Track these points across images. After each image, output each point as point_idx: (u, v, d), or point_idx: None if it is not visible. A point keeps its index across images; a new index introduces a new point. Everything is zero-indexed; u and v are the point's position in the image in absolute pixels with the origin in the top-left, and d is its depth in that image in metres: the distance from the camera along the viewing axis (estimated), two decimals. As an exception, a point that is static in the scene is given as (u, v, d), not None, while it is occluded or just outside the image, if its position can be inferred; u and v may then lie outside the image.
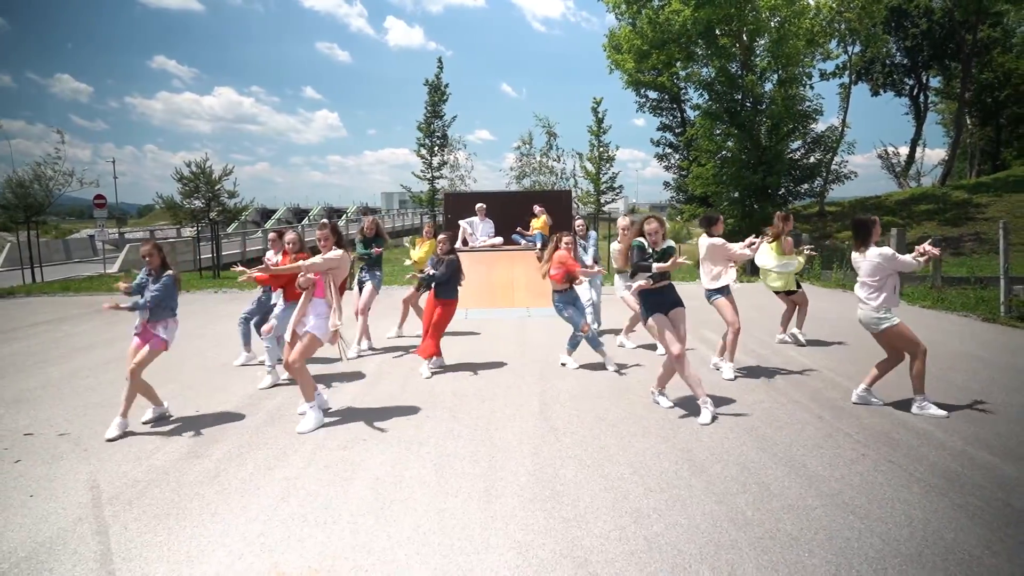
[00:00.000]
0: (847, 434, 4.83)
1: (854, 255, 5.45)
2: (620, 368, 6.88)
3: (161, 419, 5.46)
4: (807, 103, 22.02)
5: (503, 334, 9.06)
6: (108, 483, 4.16)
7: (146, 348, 5.23)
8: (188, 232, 27.45)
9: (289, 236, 6.70)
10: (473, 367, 7.12)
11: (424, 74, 23.97)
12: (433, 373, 6.85)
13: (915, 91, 37.33)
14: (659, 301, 5.40)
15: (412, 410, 5.60)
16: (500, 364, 7.25)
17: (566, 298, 6.92)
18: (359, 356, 7.77)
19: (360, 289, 8.30)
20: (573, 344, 7.11)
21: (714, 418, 5.17)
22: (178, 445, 4.83)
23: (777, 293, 8.32)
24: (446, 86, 25.12)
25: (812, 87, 22.28)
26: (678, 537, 3.36)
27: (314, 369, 7.03)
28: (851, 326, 9.20)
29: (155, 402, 5.44)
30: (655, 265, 5.25)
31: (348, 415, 5.47)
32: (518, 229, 12.55)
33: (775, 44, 20.58)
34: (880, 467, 4.21)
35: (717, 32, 22.13)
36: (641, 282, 5.32)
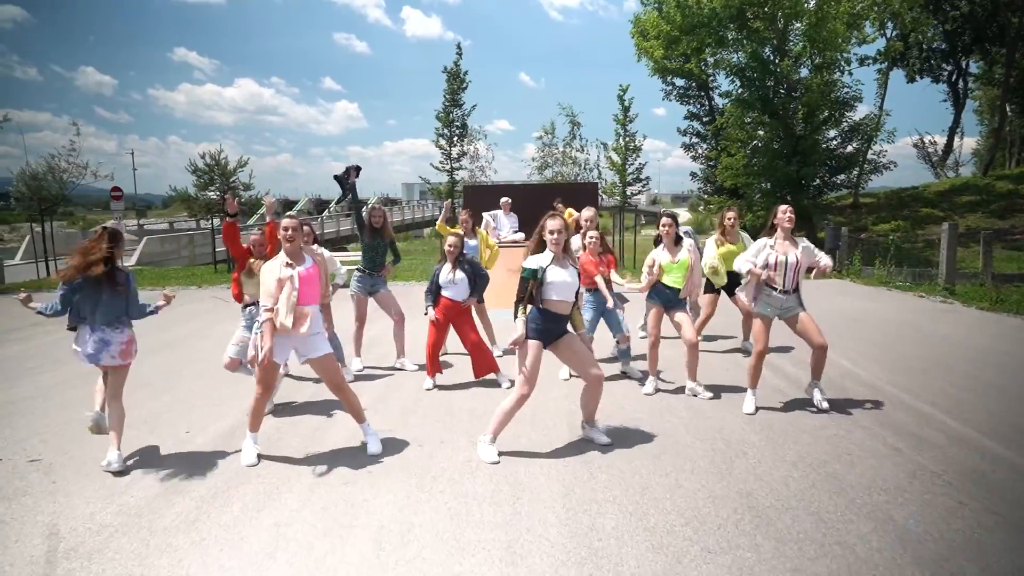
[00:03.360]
0: (934, 473, 4.10)
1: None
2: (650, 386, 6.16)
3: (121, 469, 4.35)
4: (845, 90, 20.96)
5: (526, 338, 8.37)
6: (70, 529, 3.57)
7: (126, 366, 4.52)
8: (206, 224, 27.11)
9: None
10: (494, 380, 6.46)
11: (442, 64, 23.25)
12: (443, 386, 6.22)
13: (954, 77, 35.81)
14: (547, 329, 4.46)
15: (425, 434, 4.96)
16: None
17: (594, 299, 6.23)
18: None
19: (358, 303, 6.83)
20: (625, 355, 6.51)
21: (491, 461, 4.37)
22: (157, 477, 4.23)
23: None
24: (465, 73, 24.34)
25: (851, 73, 21.23)
26: (750, 623, 2.69)
27: (315, 389, 6.45)
28: (903, 330, 8.42)
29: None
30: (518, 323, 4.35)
31: (354, 441, 4.84)
32: None
33: (812, 27, 19.55)
34: (985, 523, 3.48)
35: (749, 15, 21.13)
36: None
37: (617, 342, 6.51)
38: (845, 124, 21.67)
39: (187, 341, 8.55)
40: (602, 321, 6.39)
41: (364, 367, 6.91)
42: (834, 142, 21.96)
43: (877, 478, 4.03)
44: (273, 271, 4.31)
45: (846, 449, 4.51)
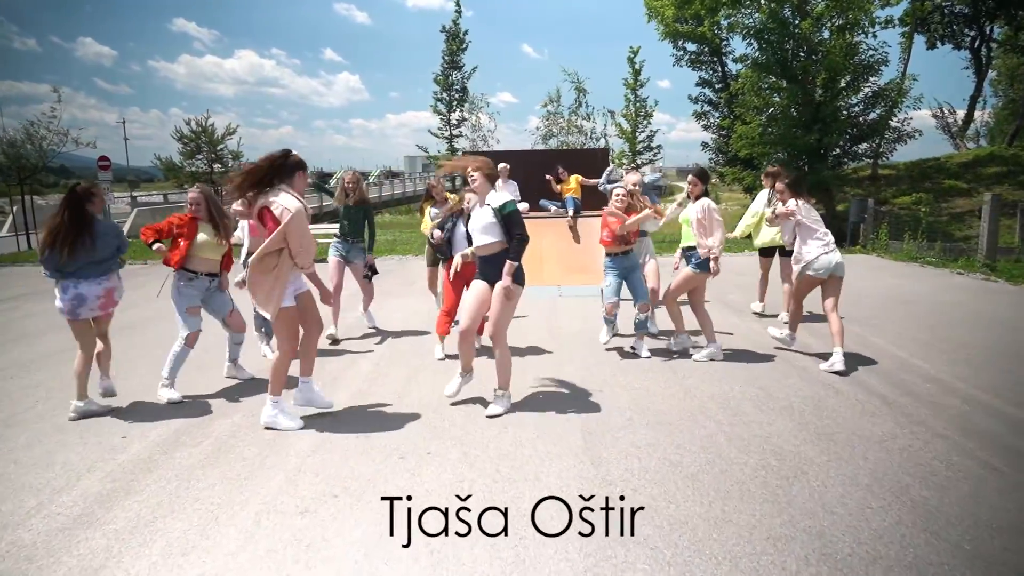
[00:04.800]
0: (1052, 503, 3.22)
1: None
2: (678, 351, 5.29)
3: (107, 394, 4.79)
4: (870, 52, 19.67)
5: (530, 320, 7.50)
6: (-69, 583, 2.72)
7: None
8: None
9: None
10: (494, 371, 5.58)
11: (444, 35, 21.61)
12: (435, 377, 5.34)
13: (977, 43, 34.29)
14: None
15: (409, 442, 4.08)
16: (528, 365, 5.71)
17: (616, 263, 5.80)
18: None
19: (334, 267, 6.69)
20: (642, 326, 5.99)
21: (504, 412, 4.49)
22: (68, 502, 3.37)
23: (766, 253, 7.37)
24: (465, 33, 22.93)
25: (875, 35, 19.92)
26: None
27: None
28: (954, 312, 7.50)
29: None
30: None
31: (322, 452, 3.97)
32: (554, 198, 10.87)
33: (836, -16, 18.24)
34: None
35: (768, -27, 19.83)
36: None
37: (637, 311, 5.85)
38: (868, 89, 20.43)
39: (150, 323, 7.65)
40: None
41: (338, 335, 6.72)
42: (855, 108, 20.73)
43: (981, 511, 3.15)
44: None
45: (929, 467, 3.62)
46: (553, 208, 10.59)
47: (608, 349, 6.14)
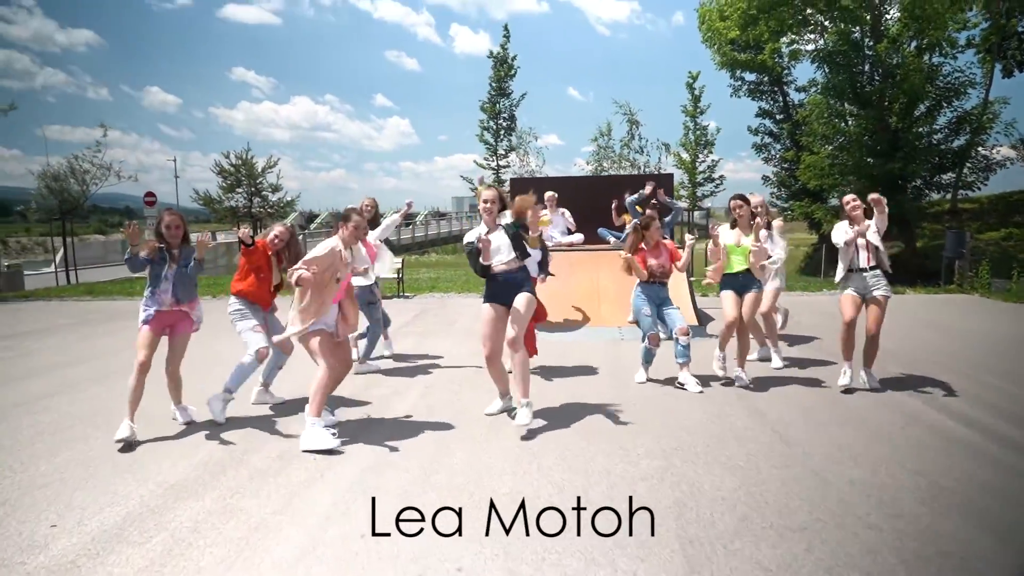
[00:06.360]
0: None
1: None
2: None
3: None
4: (955, 74, 18.06)
5: (589, 369, 6.28)
6: None
7: (183, 336, 4.62)
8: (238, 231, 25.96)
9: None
10: (547, 432, 4.37)
11: (490, 80, 20.85)
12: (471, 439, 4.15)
13: (1058, 70, 32.15)
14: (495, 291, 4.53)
15: (432, 550, 2.88)
16: (595, 432, 4.47)
17: (650, 292, 5.55)
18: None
19: None
20: (646, 359, 5.70)
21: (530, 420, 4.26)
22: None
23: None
24: (514, 58, 22.06)
25: (955, 56, 18.33)
26: None
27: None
28: None
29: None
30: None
31: (310, 553, 2.81)
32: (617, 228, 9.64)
33: (913, 2, 16.84)
34: None
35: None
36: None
37: (677, 338, 5.42)
38: (951, 114, 18.75)
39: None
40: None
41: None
42: (938, 135, 19.03)
43: None
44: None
45: None
46: (612, 239, 9.40)
47: (694, 405, 4.88)
